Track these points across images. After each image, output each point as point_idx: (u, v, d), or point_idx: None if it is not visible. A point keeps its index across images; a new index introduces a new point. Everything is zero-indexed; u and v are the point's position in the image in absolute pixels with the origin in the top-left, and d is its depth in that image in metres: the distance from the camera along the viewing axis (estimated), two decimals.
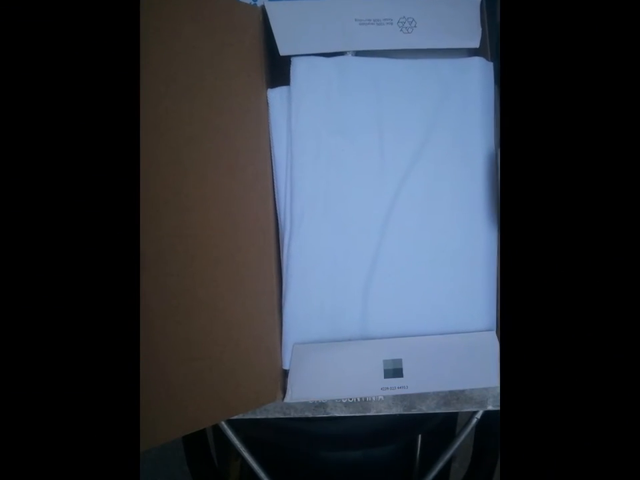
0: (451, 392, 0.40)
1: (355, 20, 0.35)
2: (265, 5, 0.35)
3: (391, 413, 0.40)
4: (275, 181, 0.36)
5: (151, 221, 0.29)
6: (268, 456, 0.44)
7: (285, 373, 0.35)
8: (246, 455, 0.41)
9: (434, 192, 0.36)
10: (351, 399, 0.40)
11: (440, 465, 0.42)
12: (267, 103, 0.36)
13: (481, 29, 0.36)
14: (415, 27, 0.35)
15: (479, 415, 0.41)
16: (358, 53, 0.37)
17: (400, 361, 0.34)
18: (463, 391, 0.40)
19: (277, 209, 0.37)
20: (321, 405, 0.40)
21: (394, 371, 0.34)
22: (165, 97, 0.31)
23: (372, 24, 0.35)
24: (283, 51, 0.35)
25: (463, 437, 0.41)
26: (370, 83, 0.36)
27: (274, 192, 0.37)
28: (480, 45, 0.36)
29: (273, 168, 0.36)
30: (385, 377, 0.34)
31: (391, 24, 0.35)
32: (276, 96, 0.36)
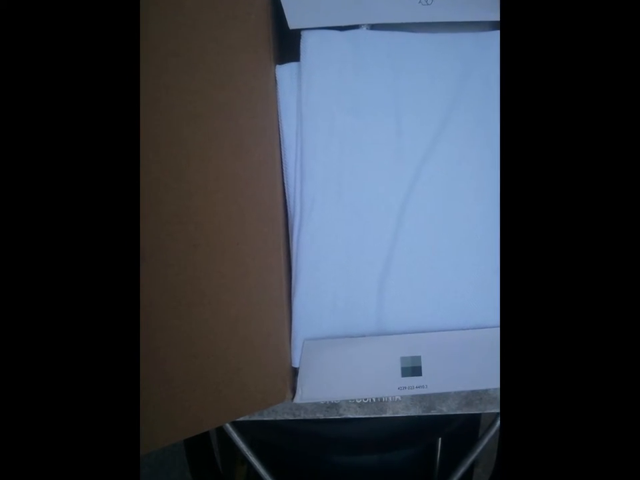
0: (473, 392, 0.38)
1: None
2: None
3: (409, 415, 0.38)
4: (283, 164, 0.34)
5: (150, 208, 0.27)
6: (276, 460, 0.42)
7: (295, 372, 0.33)
8: (252, 459, 0.39)
9: (455, 176, 0.34)
10: (365, 400, 0.38)
11: (462, 470, 0.39)
12: (275, 80, 0.34)
13: None
14: None
15: None
16: (373, 27, 0.34)
17: (419, 358, 0.32)
18: (486, 391, 0.38)
19: (286, 194, 0.35)
20: (334, 405, 0.38)
21: (412, 369, 0.32)
22: (165, 73, 0.29)
23: None
24: (293, 24, 0.33)
25: (486, 440, 0.39)
26: (386, 59, 0.34)
27: (282, 176, 0.35)
28: None
29: (282, 150, 0.34)
30: (403, 376, 0.32)
31: None
32: (285, 72, 0.34)
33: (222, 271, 0.30)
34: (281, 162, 0.34)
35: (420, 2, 0.33)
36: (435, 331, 0.33)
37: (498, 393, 0.37)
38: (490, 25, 0.35)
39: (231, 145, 0.31)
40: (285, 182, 0.35)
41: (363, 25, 0.34)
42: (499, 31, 0.35)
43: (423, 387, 0.32)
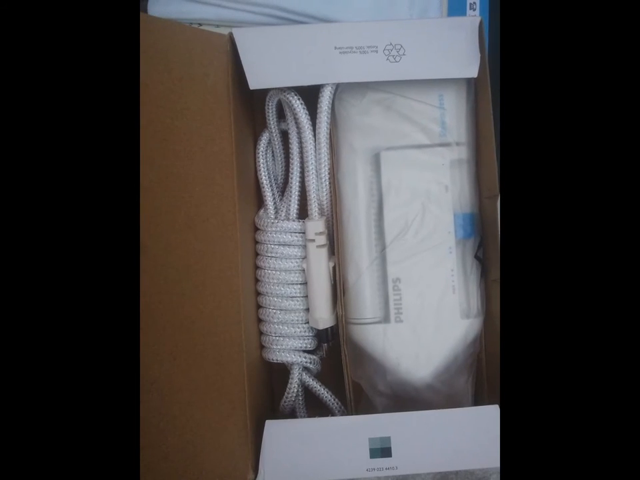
0: None
1: (335, 48, 0.31)
2: (233, 31, 0.31)
3: None
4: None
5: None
6: None
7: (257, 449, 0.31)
8: None
9: None
10: None
11: None
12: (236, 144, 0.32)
13: (479, 55, 0.31)
14: (404, 54, 0.31)
15: None
16: (339, 85, 0.33)
17: (388, 439, 0.30)
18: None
19: None
20: None
21: (381, 450, 0.30)
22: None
23: (354, 52, 0.31)
24: (254, 84, 0.31)
25: None
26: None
27: None
28: (479, 74, 0.31)
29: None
30: (371, 457, 0.30)
31: (376, 52, 0.31)
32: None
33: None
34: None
35: (387, 59, 0.31)
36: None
37: (475, 469, 0.35)
38: (465, 82, 0.33)
39: (185, 217, 0.30)
40: None
41: (328, 84, 0.32)
42: None
43: (393, 468, 0.30)
